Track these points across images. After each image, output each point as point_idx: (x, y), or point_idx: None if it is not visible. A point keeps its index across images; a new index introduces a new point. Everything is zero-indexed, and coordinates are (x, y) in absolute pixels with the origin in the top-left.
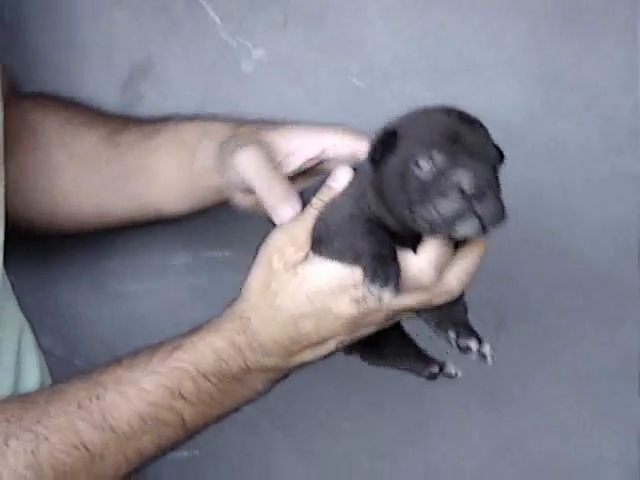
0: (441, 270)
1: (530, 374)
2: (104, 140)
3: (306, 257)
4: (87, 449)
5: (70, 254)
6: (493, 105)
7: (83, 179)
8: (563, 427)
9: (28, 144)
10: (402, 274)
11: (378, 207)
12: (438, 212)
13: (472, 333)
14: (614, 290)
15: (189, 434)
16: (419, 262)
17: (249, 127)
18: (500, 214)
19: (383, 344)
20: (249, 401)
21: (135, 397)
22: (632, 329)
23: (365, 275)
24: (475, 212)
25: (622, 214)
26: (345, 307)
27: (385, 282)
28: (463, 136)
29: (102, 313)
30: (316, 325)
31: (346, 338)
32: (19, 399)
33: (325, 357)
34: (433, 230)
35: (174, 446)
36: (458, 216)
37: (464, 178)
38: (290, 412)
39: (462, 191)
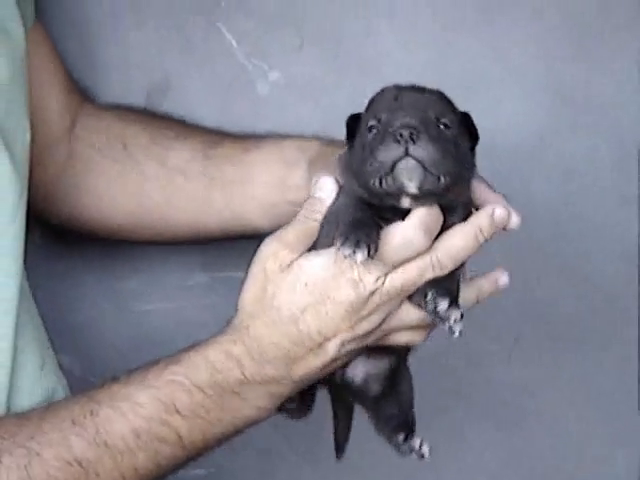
0: (431, 234)
1: (544, 391)
2: (198, 153)
3: (300, 256)
4: (81, 465)
5: (89, 272)
6: (504, 125)
7: (174, 189)
8: (578, 444)
9: (116, 154)
10: (389, 242)
11: (358, 187)
12: (379, 162)
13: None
14: (630, 309)
15: (189, 453)
16: (404, 228)
17: (336, 145)
18: (435, 155)
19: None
20: (251, 421)
21: (129, 412)
22: None
23: (338, 240)
24: (410, 154)
25: (633, 233)
26: (343, 291)
27: (356, 244)
28: (407, 97)
29: (121, 332)
30: (317, 319)
31: (348, 337)
32: (14, 416)
33: (328, 370)
34: (386, 190)
35: (176, 466)
36: (394, 159)
37: (396, 122)
38: (309, 435)
39: (396, 137)
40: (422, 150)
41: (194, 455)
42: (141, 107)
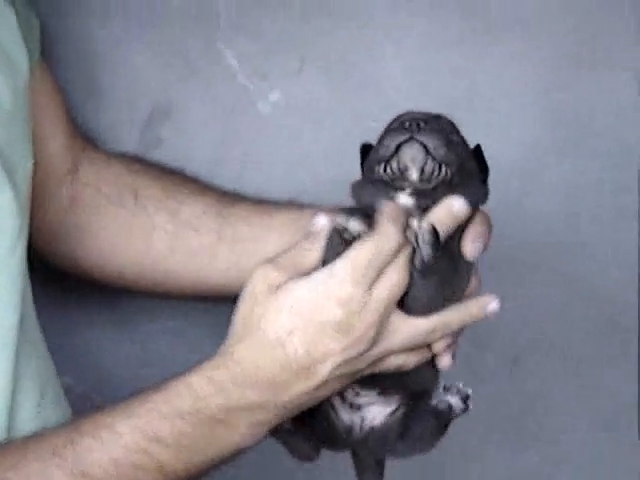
0: (402, 224)
1: (544, 409)
2: (212, 209)
3: (290, 279)
4: None
5: (91, 292)
6: (504, 146)
7: (182, 242)
8: (579, 463)
9: (125, 202)
10: (365, 249)
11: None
12: (385, 146)
13: None
14: (631, 328)
15: None
16: (375, 232)
17: None
18: (443, 146)
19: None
20: (236, 451)
21: (109, 441)
22: None
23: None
24: (415, 138)
25: (633, 252)
26: (331, 310)
27: (350, 212)
28: (422, 120)
29: (123, 352)
30: (304, 341)
31: (339, 360)
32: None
33: (318, 396)
34: (390, 177)
35: None
36: (399, 143)
37: (405, 116)
38: None
39: (404, 125)
40: (427, 136)
41: None
42: (151, 160)
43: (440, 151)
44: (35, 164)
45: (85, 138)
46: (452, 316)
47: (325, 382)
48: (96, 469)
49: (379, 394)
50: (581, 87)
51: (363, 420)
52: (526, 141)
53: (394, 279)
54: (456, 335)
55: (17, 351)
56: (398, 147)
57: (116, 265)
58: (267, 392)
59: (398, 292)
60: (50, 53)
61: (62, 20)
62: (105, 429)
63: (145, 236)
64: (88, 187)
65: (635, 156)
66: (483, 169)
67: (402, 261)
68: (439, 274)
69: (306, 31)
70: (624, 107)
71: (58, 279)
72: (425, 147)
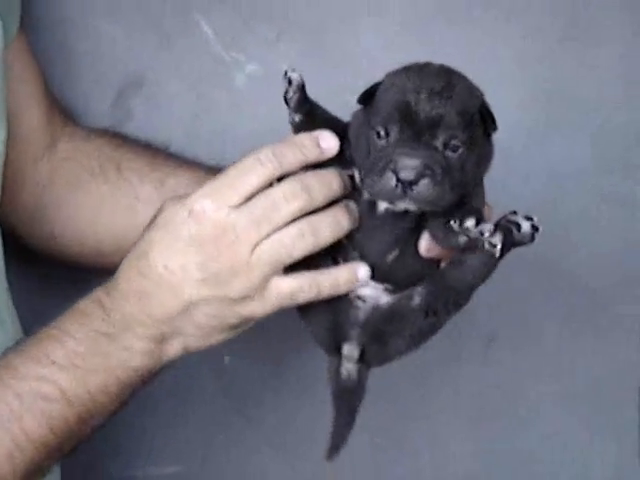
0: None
1: (519, 390)
2: (198, 181)
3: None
4: None
5: (70, 279)
6: None
7: None
8: (553, 443)
9: (108, 176)
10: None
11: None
12: (377, 187)
13: None
14: (606, 308)
15: (79, 413)
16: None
17: None
18: (432, 198)
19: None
20: (130, 369)
21: (9, 378)
22: (621, 343)
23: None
24: (407, 194)
25: (611, 233)
26: (186, 226)
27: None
28: (422, 110)
29: None
30: (162, 253)
31: (198, 276)
32: None
33: (200, 323)
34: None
35: (73, 434)
36: (392, 197)
37: (400, 165)
38: (280, 425)
39: (397, 176)
40: (418, 195)
41: (87, 417)
42: (127, 134)
43: (434, 204)
44: (11, 139)
45: (65, 114)
46: (322, 278)
47: (194, 303)
48: (2, 407)
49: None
50: (565, 63)
51: (367, 300)
52: (508, 120)
53: (267, 201)
54: None
55: None
56: (389, 197)
57: (95, 240)
58: (138, 304)
59: (264, 233)
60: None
61: None
62: (4, 368)
63: (129, 208)
64: (67, 161)
65: (619, 134)
66: (489, 125)
67: (264, 172)
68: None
69: (283, 2)
70: (609, 84)
71: (35, 264)
72: (418, 205)
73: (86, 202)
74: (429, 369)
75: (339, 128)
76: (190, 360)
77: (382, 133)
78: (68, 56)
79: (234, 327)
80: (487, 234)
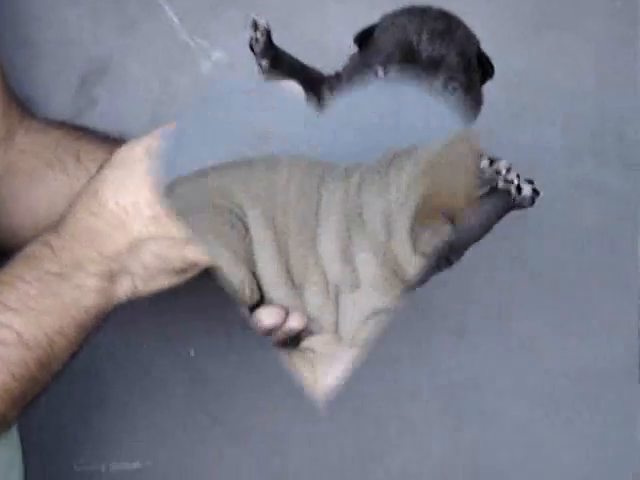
0: None
1: (490, 384)
2: None
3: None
4: None
5: None
6: None
7: None
8: (521, 438)
9: (67, 167)
10: None
11: None
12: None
13: None
14: (576, 296)
15: (39, 357)
16: None
17: None
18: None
19: None
20: (84, 308)
21: None
22: (592, 333)
23: None
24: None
25: (585, 221)
26: (140, 163)
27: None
28: (425, 49)
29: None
30: (113, 190)
31: (149, 213)
32: None
33: (148, 264)
34: None
35: (33, 376)
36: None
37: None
38: (244, 421)
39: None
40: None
41: (46, 362)
42: (85, 121)
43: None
44: None
45: (23, 107)
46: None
47: (142, 241)
48: None
49: None
50: (538, 50)
51: None
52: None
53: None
54: None
55: None
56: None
57: None
58: (88, 242)
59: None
60: None
61: None
62: None
63: None
64: (24, 154)
65: (591, 121)
66: (486, 72)
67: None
68: None
69: None
70: (582, 70)
71: None
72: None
73: (44, 193)
74: (400, 361)
75: (306, 74)
76: (155, 355)
77: (380, 73)
78: (26, 42)
79: (180, 272)
80: (504, 171)
